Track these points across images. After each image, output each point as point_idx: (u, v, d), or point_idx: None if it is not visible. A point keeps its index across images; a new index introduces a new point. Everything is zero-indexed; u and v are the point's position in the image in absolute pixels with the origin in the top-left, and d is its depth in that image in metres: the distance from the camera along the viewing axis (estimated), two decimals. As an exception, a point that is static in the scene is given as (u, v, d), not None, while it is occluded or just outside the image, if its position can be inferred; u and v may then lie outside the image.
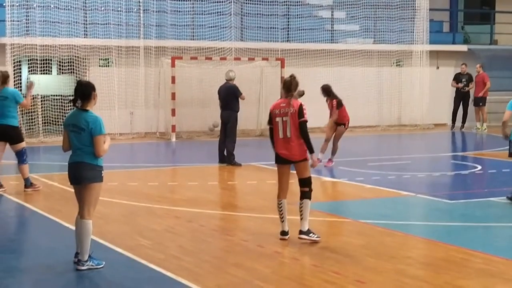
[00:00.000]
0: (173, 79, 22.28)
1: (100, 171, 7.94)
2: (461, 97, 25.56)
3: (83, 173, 7.89)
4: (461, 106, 25.67)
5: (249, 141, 21.56)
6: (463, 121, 25.62)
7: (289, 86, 9.25)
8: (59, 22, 21.95)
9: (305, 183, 9.22)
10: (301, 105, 9.14)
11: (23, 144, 12.86)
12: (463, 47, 27.90)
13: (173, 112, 22.25)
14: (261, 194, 12.98)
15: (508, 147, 11.82)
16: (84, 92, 7.93)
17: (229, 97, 16.53)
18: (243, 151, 17.87)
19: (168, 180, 14.74)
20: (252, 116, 23.26)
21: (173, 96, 22.30)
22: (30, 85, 13.16)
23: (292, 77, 9.36)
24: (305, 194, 9.21)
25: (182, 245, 9.06)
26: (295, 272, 7.88)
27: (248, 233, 9.77)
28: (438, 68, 27.05)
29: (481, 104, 25.26)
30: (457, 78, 25.69)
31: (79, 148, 7.91)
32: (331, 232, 9.85)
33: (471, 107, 25.55)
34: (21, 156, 12.81)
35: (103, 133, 7.86)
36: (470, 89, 25.48)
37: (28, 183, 12.83)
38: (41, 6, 21.72)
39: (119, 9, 22.66)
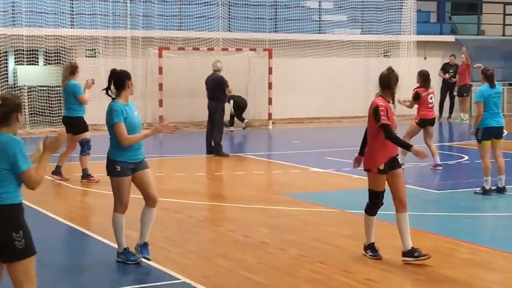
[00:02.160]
0: (161, 70, 22.23)
1: (115, 165, 7.68)
2: (447, 88, 25.60)
3: (106, 166, 7.84)
4: (448, 97, 25.71)
5: (236, 132, 21.54)
6: (450, 112, 25.67)
7: (387, 82, 7.91)
8: (45, 13, 21.83)
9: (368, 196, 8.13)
10: (376, 106, 7.79)
11: (83, 135, 12.94)
12: (451, 38, 27.94)
13: (161, 103, 22.20)
14: (249, 184, 12.99)
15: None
16: (119, 80, 7.66)
17: (216, 88, 16.48)
18: (230, 142, 17.86)
19: (156, 171, 14.67)
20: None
21: (161, 87, 22.26)
22: (89, 85, 13.09)
23: (390, 70, 7.98)
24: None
25: (169, 236, 9.06)
26: (282, 262, 7.89)
27: (235, 224, 9.78)
28: (425, 58, 27.08)
29: (465, 94, 25.27)
30: (445, 68, 25.71)
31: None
32: (318, 222, 9.86)
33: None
34: (81, 147, 12.94)
35: (116, 122, 7.58)
36: (456, 80, 25.52)
37: (84, 174, 12.87)
38: (27, -4, 21.61)
39: (105, -1, 22.56)
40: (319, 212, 10.60)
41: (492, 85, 11.67)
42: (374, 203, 8.05)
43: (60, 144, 5.56)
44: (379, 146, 7.81)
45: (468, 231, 9.58)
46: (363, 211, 8.16)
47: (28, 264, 5.31)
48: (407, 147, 7.92)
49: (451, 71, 25.51)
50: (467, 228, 9.82)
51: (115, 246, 8.38)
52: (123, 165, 7.70)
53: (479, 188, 11.68)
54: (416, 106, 14.45)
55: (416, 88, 14.36)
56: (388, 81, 7.89)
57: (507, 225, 9.91)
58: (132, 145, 7.71)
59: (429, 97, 14.32)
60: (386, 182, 7.94)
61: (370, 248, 8.06)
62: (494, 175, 11.77)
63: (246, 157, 16.32)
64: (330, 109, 25.39)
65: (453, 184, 12.71)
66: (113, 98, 7.78)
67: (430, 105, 14.38)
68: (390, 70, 7.97)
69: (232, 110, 22.03)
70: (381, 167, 7.80)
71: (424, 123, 14.42)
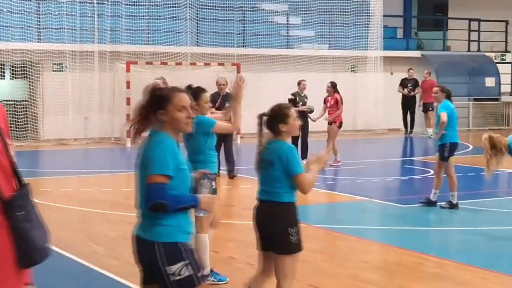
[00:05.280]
0: (128, 84, 22.16)
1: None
2: (406, 103, 25.72)
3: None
4: (408, 112, 25.85)
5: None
6: (411, 126, 25.76)
7: None
8: (12, 27, 21.70)
9: None
10: None
11: None
12: (417, 53, 28.26)
13: (128, 117, 22.07)
14: (216, 199, 12.96)
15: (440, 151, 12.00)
16: (193, 96, 7.36)
17: None
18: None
19: (123, 186, 14.62)
20: (207, 121, 23.25)
21: (128, 101, 22.17)
22: None
23: None
24: None
25: (136, 251, 9.00)
26: (250, 277, 7.86)
27: (203, 239, 9.73)
28: (392, 74, 27.33)
29: (430, 109, 25.46)
30: (403, 83, 25.84)
31: None
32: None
33: (418, 113, 25.69)
34: None
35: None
36: (416, 94, 25.66)
37: None
38: (-7, 10, 21.46)
39: (73, 13, 22.47)
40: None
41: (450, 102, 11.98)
42: None
43: (324, 159, 6.03)
44: None
45: (434, 245, 9.65)
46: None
47: (294, 259, 5.88)
48: None
49: (409, 85, 25.66)
50: (432, 242, 9.89)
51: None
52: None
53: (444, 202, 11.79)
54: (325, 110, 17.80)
55: (335, 95, 17.55)
56: None
57: (472, 239, 10.00)
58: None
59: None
60: None
61: None
62: (444, 190, 11.90)
63: (214, 171, 16.29)
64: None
65: (419, 199, 12.78)
66: None
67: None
68: None
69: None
70: None
71: (342, 125, 17.73)
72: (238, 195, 13.98)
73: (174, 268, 4.39)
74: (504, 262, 8.63)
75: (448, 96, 11.97)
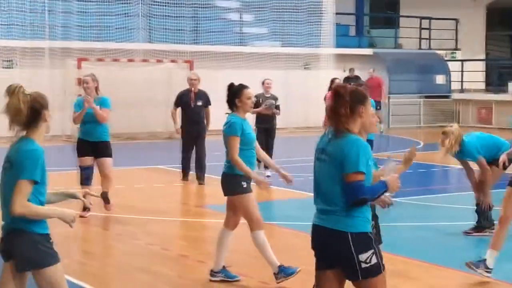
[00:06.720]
0: (79, 81, 21.92)
1: (241, 182, 7.45)
2: None
3: (226, 184, 7.64)
4: None
5: (157, 144, 21.40)
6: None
7: None
8: (-41, 22, 21.35)
9: None
10: None
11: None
12: (369, 51, 28.47)
13: (80, 115, 21.86)
14: (168, 197, 12.90)
15: None
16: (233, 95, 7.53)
17: None
18: (152, 154, 17.73)
19: (74, 184, 14.43)
20: (160, 118, 23.09)
21: (80, 98, 21.95)
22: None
23: None
24: None
25: (86, 249, 8.92)
26: (201, 275, 7.84)
27: (154, 237, 9.68)
28: (344, 71, 27.42)
29: (378, 108, 25.52)
30: (346, 82, 25.86)
31: None
32: (238, 234, 9.83)
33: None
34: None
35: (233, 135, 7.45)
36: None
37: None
38: None
39: (23, 9, 22.16)
40: (240, 224, 10.58)
41: None
42: None
43: (413, 157, 6.16)
44: None
45: (386, 241, 9.69)
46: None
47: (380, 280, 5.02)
48: None
49: (351, 84, 25.71)
50: (385, 238, 9.92)
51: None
52: (246, 180, 7.42)
53: None
54: None
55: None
56: None
57: (423, 234, 10.09)
58: (251, 159, 7.48)
59: None
60: None
61: None
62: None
63: (166, 169, 16.20)
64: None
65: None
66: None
67: None
68: None
69: None
70: None
71: None
72: (191, 192, 13.93)
73: (365, 256, 4.74)
74: (454, 257, 8.71)
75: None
